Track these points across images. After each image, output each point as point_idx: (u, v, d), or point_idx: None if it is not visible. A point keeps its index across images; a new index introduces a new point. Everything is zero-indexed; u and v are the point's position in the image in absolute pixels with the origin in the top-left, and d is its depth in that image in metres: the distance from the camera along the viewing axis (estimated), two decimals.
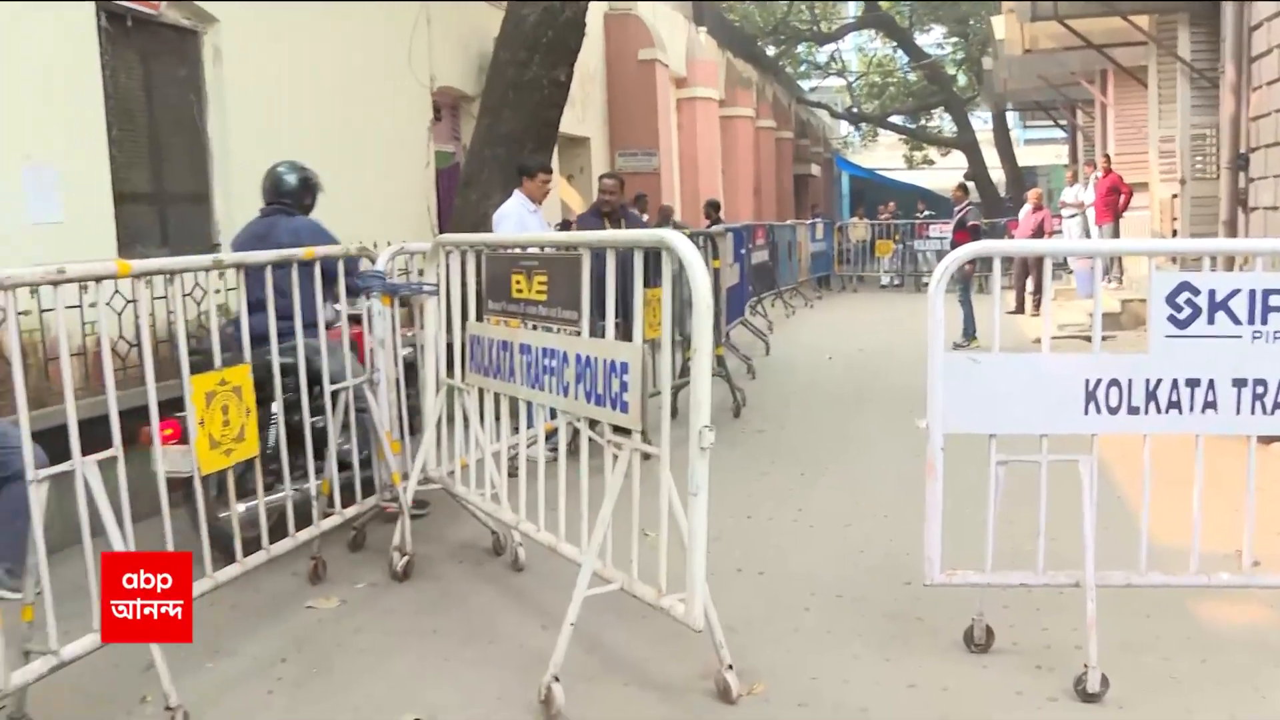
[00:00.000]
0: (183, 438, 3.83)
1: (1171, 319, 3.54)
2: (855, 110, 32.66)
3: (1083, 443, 3.64)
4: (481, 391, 4.61)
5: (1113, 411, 3.58)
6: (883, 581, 4.60)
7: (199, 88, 7.02)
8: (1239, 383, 3.55)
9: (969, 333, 12.45)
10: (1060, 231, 16.74)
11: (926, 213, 23.59)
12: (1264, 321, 3.52)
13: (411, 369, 5.50)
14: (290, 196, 5.36)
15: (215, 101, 7.09)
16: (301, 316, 4.42)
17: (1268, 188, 10.98)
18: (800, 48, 30.66)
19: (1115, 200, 14.44)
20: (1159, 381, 3.56)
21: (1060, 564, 3.70)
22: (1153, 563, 3.71)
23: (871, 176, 36.21)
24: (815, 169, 32.29)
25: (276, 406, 4.46)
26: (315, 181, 5.49)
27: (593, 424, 3.78)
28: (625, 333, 3.66)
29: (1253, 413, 3.56)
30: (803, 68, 31.53)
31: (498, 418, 4.58)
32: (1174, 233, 14.02)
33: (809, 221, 21.84)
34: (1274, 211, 10.77)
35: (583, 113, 13.88)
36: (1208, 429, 3.60)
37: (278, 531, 4.35)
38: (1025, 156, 31.55)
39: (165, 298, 5.04)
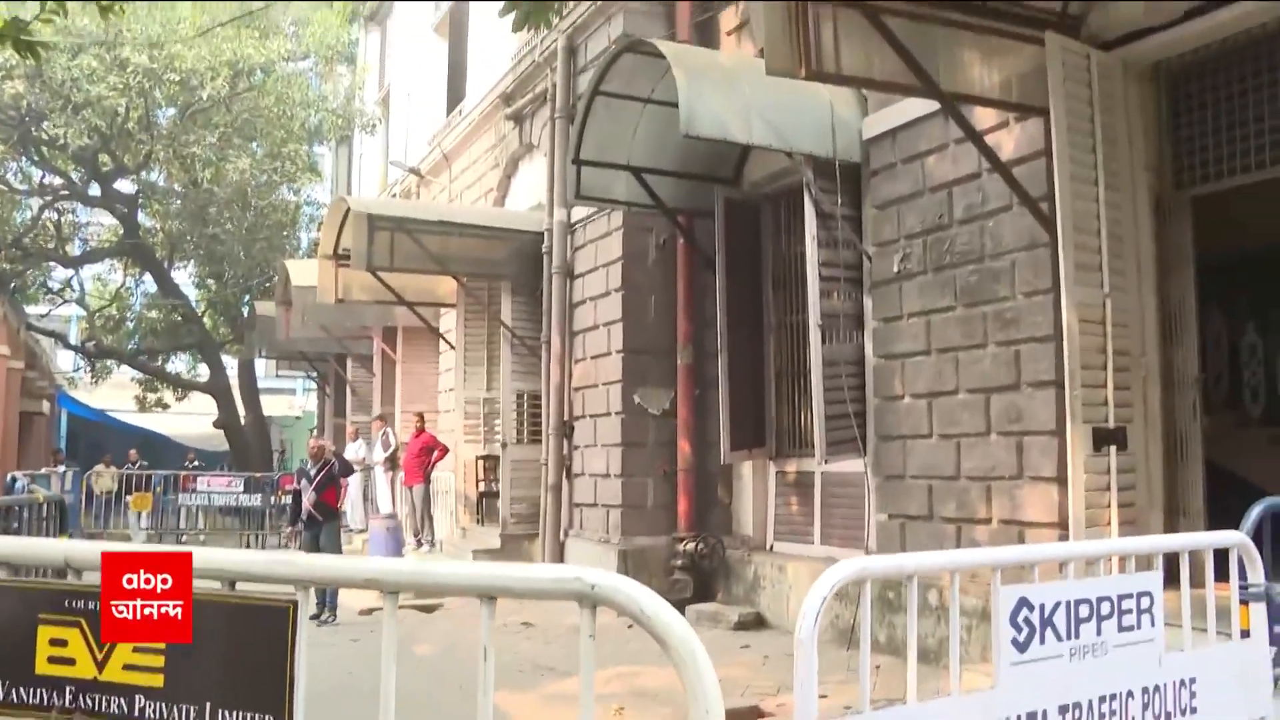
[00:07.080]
0: None
1: (1014, 642, 2.86)
2: (93, 344, 28.75)
3: None
4: None
5: None
6: None
7: None
8: (1064, 709, 2.97)
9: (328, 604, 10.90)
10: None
11: (195, 463, 21.49)
12: (1076, 636, 3.02)
13: None
14: None
15: None
16: None
17: (597, 455, 11.51)
18: (30, 270, 26.41)
19: (426, 460, 14.18)
20: None
21: None
22: None
23: (103, 419, 32.39)
24: (46, 406, 27.81)
25: None
26: None
27: None
28: None
29: None
30: (31, 289, 27.11)
31: None
32: (480, 495, 14.13)
33: (60, 470, 19.22)
34: (606, 479, 11.30)
35: None
36: None
37: None
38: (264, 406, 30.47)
39: None
